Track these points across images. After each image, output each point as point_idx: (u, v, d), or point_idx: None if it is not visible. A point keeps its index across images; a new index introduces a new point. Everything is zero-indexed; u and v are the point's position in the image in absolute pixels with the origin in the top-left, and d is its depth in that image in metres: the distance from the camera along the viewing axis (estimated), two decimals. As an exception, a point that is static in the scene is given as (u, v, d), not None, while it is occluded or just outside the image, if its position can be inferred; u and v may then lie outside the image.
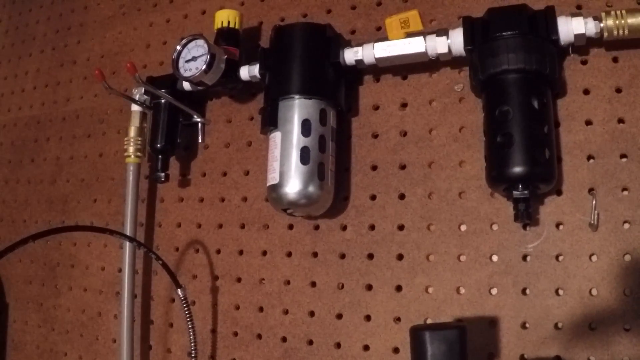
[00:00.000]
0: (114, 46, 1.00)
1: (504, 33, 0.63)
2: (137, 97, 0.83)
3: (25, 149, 1.07)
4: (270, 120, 0.69)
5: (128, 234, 0.80)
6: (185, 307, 0.73)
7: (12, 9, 1.18)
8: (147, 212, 0.88)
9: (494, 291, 0.65)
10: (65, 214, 0.98)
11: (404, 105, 0.73)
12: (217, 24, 0.78)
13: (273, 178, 0.68)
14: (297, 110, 0.69)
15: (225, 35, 0.78)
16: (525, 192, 0.60)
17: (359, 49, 0.70)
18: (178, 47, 0.75)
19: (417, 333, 0.56)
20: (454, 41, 0.66)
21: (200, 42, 0.74)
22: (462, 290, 0.66)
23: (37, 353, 0.96)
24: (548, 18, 0.63)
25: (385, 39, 0.69)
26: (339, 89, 0.72)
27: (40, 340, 0.97)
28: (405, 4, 0.76)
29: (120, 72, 0.97)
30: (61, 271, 0.96)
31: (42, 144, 1.04)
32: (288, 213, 0.70)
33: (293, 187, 0.67)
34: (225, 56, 0.75)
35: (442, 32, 0.67)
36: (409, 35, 0.68)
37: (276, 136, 0.69)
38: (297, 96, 0.69)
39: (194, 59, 0.74)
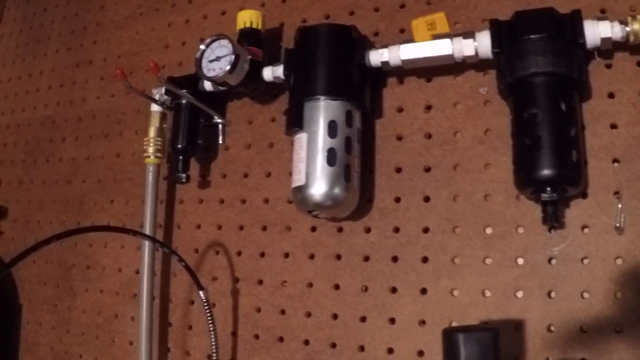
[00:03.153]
0: (132, 46, 1.01)
1: (532, 36, 0.64)
2: (157, 97, 0.84)
3: (40, 149, 1.08)
4: (296, 121, 0.70)
5: (147, 246, 0.81)
6: (207, 309, 0.73)
7: (26, 8, 1.19)
8: (165, 214, 0.89)
9: (520, 294, 0.65)
10: (82, 215, 0.98)
11: (428, 107, 0.74)
12: (240, 25, 0.79)
13: (299, 179, 0.69)
14: (323, 112, 0.69)
15: (248, 36, 0.79)
16: (554, 194, 0.61)
17: (385, 50, 0.71)
18: (202, 47, 0.76)
19: (450, 335, 0.57)
20: (481, 43, 0.67)
21: (224, 42, 0.75)
22: (488, 293, 0.67)
23: (52, 355, 0.97)
24: (575, 21, 0.64)
25: (411, 40, 0.70)
26: (364, 91, 0.73)
27: (54, 342, 0.97)
28: (429, 6, 0.77)
29: (138, 72, 0.98)
30: (77, 272, 0.97)
31: (58, 144, 1.05)
32: (313, 215, 0.71)
33: (319, 188, 0.68)
34: (249, 57, 0.75)
35: (469, 34, 0.68)
36: (436, 37, 0.69)
37: (302, 137, 0.70)
38: (322, 97, 0.70)
39: (217, 59, 0.75)
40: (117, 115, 0.99)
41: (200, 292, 0.73)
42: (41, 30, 1.16)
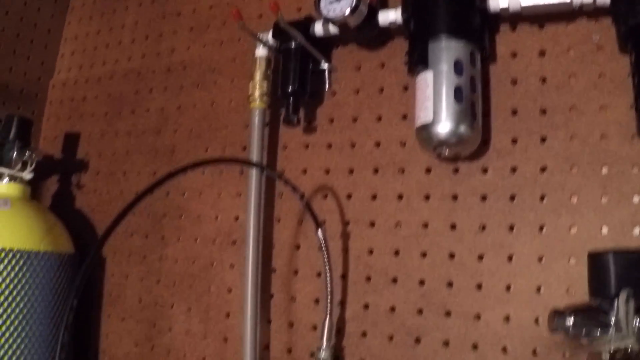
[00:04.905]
0: (224, -4, 1.06)
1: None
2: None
3: (124, 101, 1.12)
4: (422, 59, 0.75)
5: (254, 179, 0.85)
6: (324, 247, 0.78)
7: (101, -38, 1.23)
8: (268, 159, 0.92)
9: (637, 230, 0.70)
10: (173, 164, 1.02)
11: (542, 53, 0.79)
12: (351, -32, 0.84)
13: (425, 116, 0.74)
14: (448, 51, 0.74)
15: (359, -20, 0.83)
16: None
17: (506, -4, 0.77)
18: (323, -14, 0.81)
19: (599, 256, 0.62)
20: (599, -9, 0.73)
21: (344, -16, 0.80)
22: (605, 230, 0.72)
23: (139, 307, 1.01)
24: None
25: (529, -13, 0.76)
26: (484, 34, 0.78)
27: (142, 293, 1.01)
28: (540, -45, 0.82)
29: (230, 22, 1.02)
30: (168, 222, 1.01)
31: (144, 95, 1.09)
32: (437, 153, 0.76)
33: (446, 125, 0.73)
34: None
35: (588, -18, 0.74)
36: (555, -15, 0.75)
37: (427, 76, 0.75)
38: (448, 38, 0.74)
39: (337, 0, 0.80)
40: (211, 64, 1.03)
41: (319, 231, 0.78)
42: (120, -15, 1.21)
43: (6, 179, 0.99)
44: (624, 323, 0.59)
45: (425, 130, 0.74)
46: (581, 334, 0.61)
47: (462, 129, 0.73)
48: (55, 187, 1.15)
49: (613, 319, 0.60)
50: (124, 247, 1.05)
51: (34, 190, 1.03)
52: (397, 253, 0.82)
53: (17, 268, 0.91)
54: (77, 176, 1.12)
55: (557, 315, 0.62)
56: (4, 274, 0.90)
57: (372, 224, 0.84)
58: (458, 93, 0.73)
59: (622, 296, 0.60)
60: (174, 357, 0.96)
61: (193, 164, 0.66)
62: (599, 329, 0.60)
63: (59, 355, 0.70)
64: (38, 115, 1.20)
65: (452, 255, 0.79)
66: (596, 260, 0.63)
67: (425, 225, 0.81)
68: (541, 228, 0.75)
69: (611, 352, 0.59)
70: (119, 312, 1.03)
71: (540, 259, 0.74)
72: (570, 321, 0.61)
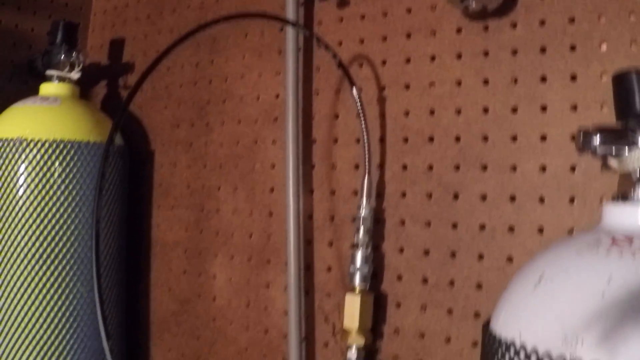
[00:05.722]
0: None
1: None
2: None
3: (165, 1, 1.18)
4: None
5: (291, 55, 0.90)
6: (360, 109, 0.82)
7: None
8: (304, 35, 0.97)
9: None
10: (215, 54, 1.08)
11: None
12: None
13: (453, -31, 0.78)
14: None
15: None
16: None
17: None
18: None
19: (621, 76, 0.64)
20: None
21: None
22: (636, 77, 0.75)
23: (188, 193, 1.08)
24: None
25: None
26: None
27: (190, 179, 1.08)
28: None
29: None
30: (212, 108, 1.08)
31: (184, -8, 1.16)
32: (464, 5, 0.79)
33: (472, -25, 0.76)
34: None
35: None
36: None
37: None
38: None
39: None
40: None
41: (353, 89, 0.83)
42: None
43: (56, 80, 1.07)
44: (652, 140, 0.62)
45: (453, -16, 0.78)
46: (609, 154, 0.64)
47: (489, -23, 0.76)
48: (103, 91, 1.23)
49: (641, 137, 0.63)
50: (171, 138, 1.12)
51: (83, 97, 1.11)
52: (432, 112, 0.86)
53: (68, 158, 0.98)
54: (124, 78, 1.20)
55: (584, 134, 0.64)
56: (56, 164, 0.97)
57: (407, 87, 0.88)
58: (482, -59, 0.76)
59: (649, 113, 0.62)
60: (222, 237, 1.03)
61: (226, 16, 0.71)
62: (627, 147, 0.63)
63: (95, 236, 0.76)
64: (83, 26, 1.26)
65: (486, 110, 0.82)
66: (619, 81, 0.65)
67: (459, 83, 0.84)
68: (573, 77, 0.77)
69: (641, 169, 0.62)
70: (169, 201, 1.10)
71: (573, 108, 0.77)
72: (597, 140, 0.63)
